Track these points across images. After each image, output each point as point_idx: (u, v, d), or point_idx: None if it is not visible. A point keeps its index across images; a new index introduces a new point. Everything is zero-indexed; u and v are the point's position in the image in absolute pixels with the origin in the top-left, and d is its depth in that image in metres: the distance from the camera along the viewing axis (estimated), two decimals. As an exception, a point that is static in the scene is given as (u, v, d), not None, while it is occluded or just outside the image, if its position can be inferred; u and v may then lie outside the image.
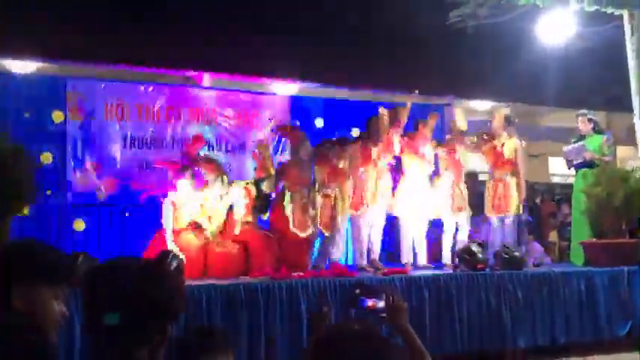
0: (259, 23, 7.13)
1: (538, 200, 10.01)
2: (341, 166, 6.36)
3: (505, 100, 8.87)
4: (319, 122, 8.09)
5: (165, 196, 5.89)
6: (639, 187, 6.77)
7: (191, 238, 5.83)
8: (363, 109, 7.71)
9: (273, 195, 6.25)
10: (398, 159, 6.87)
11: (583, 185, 7.11)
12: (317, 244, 6.38)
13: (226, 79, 8.02)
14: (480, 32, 7.11)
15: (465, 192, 6.97)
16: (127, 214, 7.05)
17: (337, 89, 8.58)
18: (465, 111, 7.59)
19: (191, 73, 7.86)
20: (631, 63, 7.10)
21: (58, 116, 6.92)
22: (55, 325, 1.69)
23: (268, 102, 7.98)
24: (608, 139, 7.35)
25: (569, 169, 7.59)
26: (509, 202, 6.96)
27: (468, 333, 5.56)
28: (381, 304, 2.23)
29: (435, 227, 7.15)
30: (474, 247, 6.07)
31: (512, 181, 7.00)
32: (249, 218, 6.11)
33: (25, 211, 5.88)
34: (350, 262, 7.07)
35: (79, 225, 6.89)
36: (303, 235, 6.06)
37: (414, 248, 6.79)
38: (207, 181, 6.13)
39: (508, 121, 7.14)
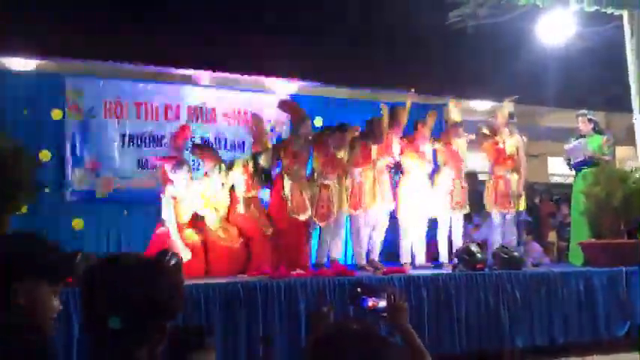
0: (259, 23, 7.13)
1: (537, 200, 10.00)
2: (339, 156, 6.35)
3: (505, 100, 8.86)
4: (318, 121, 8.09)
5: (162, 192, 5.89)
6: (638, 187, 6.77)
7: (191, 234, 5.84)
8: (363, 109, 7.71)
9: (272, 172, 6.24)
10: (398, 162, 6.87)
11: (583, 186, 7.10)
12: (315, 235, 6.39)
13: (226, 77, 8.01)
14: (479, 32, 7.11)
15: (465, 187, 6.96)
16: (125, 213, 7.05)
17: (337, 88, 8.58)
18: (465, 111, 7.59)
19: (191, 72, 7.85)
20: (631, 63, 7.11)
21: (56, 114, 6.91)
22: (51, 320, 1.70)
23: (268, 101, 7.97)
24: (608, 139, 7.36)
25: (570, 169, 7.59)
26: (510, 198, 6.96)
27: (466, 333, 5.56)
28: (382, 303, 2.23)
29: (433, 226, 7.14)
30: (473, 247, 6.06)
31: (513, 177, 7.00)
32: (252, 193, 6.10)
33: (24, 209, 5.88)
34: (349, 262, 7.07)
35: (78, 223, 6.89)
36: (302, 217, 6.06)
37: (412, 248, 6.80)
38: (206, 171, 6.14)
39: (512, 116, 7.13)
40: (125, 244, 6.83)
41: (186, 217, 5.92)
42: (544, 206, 10.11)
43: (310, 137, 6.39)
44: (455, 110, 7.11)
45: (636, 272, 6.29)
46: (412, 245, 6.78)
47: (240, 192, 6.08)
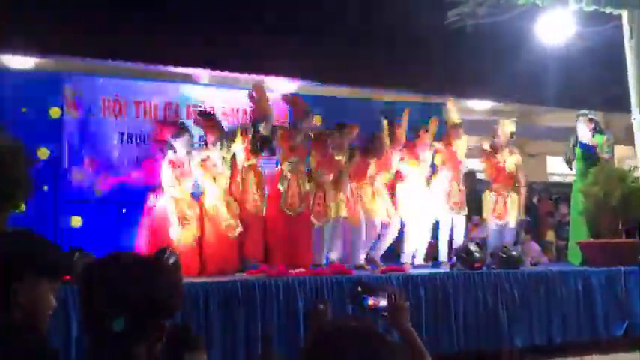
0: (259, 22, 7.12)
1: (535, 200, 10.00)
2: (337, 158, 6.34)
3: (505, 99, 8.88)
4: (318, 120, 8.07)
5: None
6: (637, 186, 6.78)
7: (183, 234, 5.81)
8: (363, 108, 7.70)
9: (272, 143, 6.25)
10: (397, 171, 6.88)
11: (582, 185, 7.11)
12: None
13: (225, 76, 8.01)
14: (479, 32, 7.10)
15: (463, 190, 6.97)
16: (123, 211, 7.04)
17: (336, 87, 8.57)
18: (465, 110, 7.59)
19: (190, 71, 7.84)
20: (630, 63, 7.11)
21: (55, 112, 6.90)
22: (47, 317, 1.70)
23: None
24: (608, 139, 7.37)
25: (570, 169, 7.59)
26: (509, 213, 7.01)
27: (464, 332, 5.56)
28: (383, 302, 2.22)
29: (434, 226, 7.14)
30: (472, 247, 6.07)
31: (512, 197, 7.04)
32: (251, 161, 6.10)
33: (22, 207, 5.87)
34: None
35: (76, 221, 6.88)
36: (297, 211, 6.07)
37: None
38: (209, 143, 6.12)
39: (512, 135, 7.17)
40: (123, 243, 6.81)
41: (185, 187, 5.89)
42: (542, 205, 10.11)
43: (311, 134, 6.38)
44: (454, 110, 7.11)
45: (634, 272, 6.30)
46: (414, 246, 6.79)
47: (240, 160, 6.08)
